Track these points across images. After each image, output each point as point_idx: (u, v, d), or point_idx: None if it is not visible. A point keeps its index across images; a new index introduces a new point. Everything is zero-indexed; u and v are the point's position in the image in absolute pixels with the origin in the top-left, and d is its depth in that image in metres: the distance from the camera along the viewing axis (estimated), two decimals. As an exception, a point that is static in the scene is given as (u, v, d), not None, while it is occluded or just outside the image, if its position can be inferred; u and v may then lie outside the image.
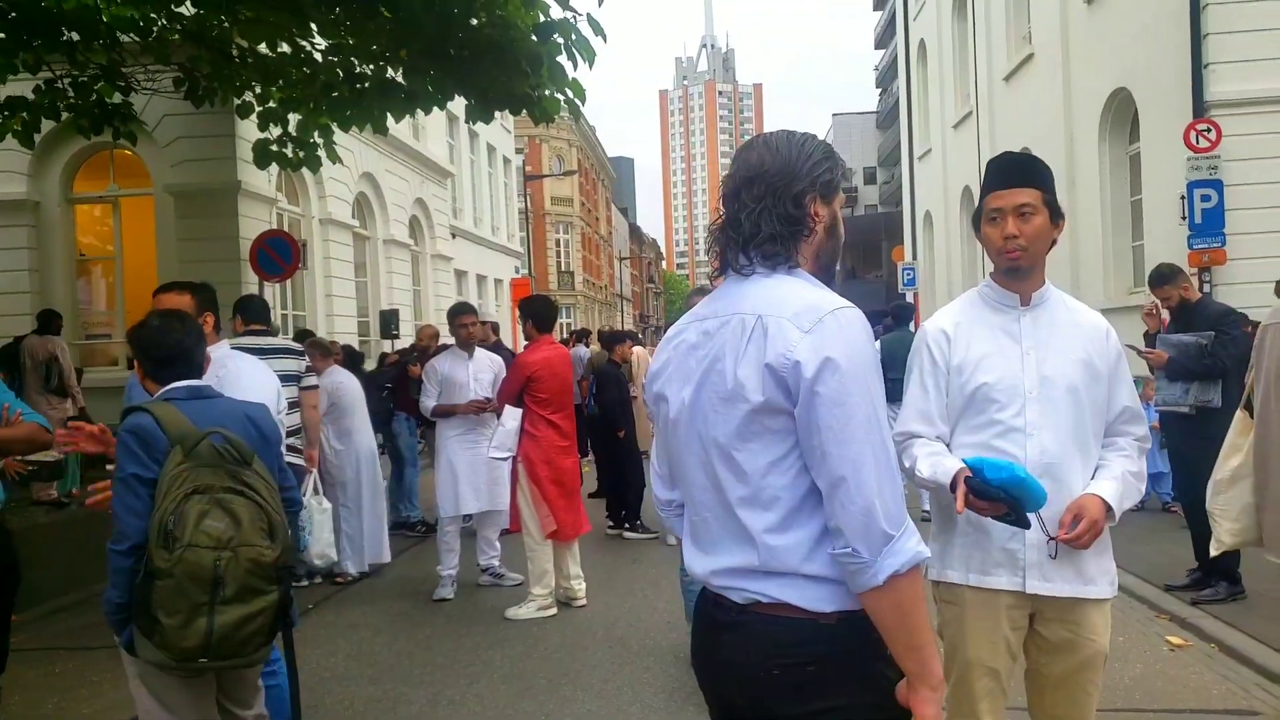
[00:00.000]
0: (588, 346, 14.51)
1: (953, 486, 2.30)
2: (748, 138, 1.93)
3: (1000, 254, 2.47)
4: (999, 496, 2.20)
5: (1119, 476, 2.42)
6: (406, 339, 14.69)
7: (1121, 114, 14.70)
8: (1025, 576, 2.40)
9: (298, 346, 6.56)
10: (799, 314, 1.66)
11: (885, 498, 1.60)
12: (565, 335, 18.55)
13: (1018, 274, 2.49)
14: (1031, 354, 2.44)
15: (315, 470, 6.38)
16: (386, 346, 15.51)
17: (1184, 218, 11.70)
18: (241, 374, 3.76)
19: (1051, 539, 2.33)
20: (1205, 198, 11.50)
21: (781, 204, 1.76)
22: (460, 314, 6.93)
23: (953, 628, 2.49)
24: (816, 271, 1.81)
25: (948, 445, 2.49)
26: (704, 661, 1.87)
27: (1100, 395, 2.46)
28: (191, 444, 2.65)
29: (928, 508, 9.87)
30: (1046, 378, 2.41)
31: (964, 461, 2.31)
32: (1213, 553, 3.28)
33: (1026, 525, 2.26)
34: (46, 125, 8.78)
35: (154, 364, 2.92)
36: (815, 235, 1.80)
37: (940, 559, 2.51)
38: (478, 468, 6.70)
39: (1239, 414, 3.07)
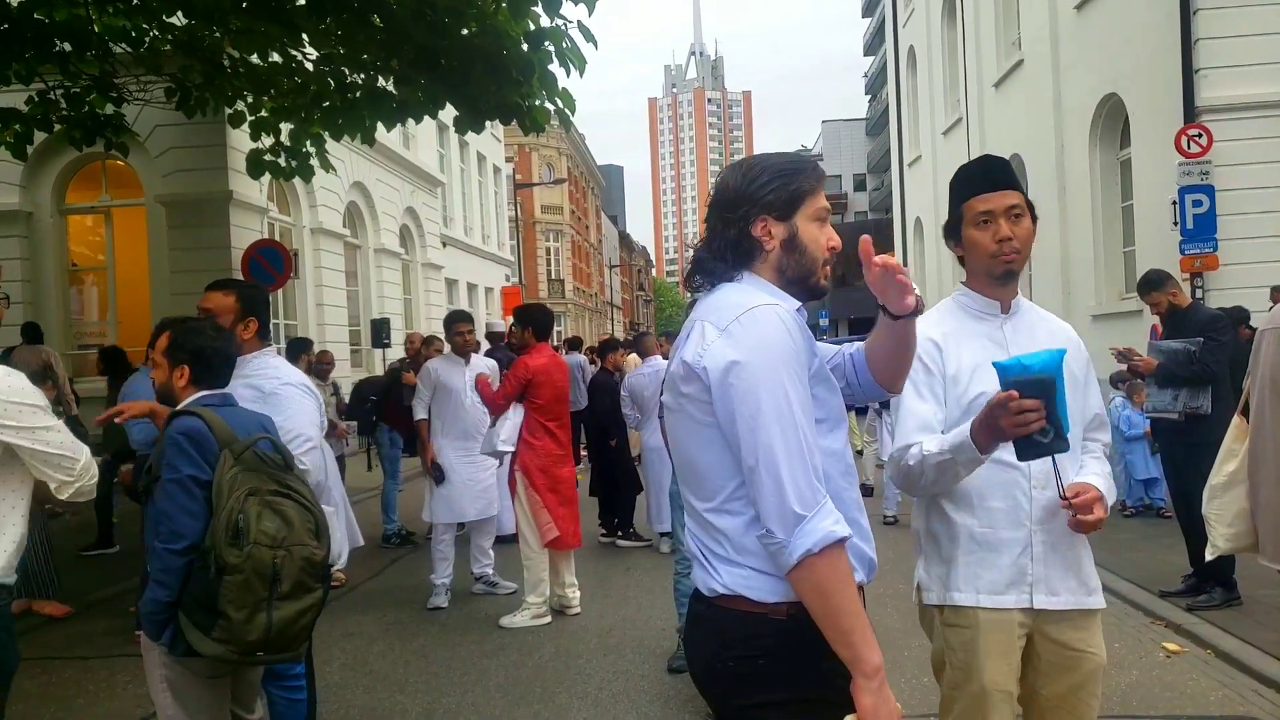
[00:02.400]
0: (582, 354, 14.48)
1: (976, 424, 2.15)
2: (746, 141, 2.01)
3: (994, 258, 2.39)
4: (1045, 382, 2.03)
5: (1104, 475, 2.40)
6: (398, 348, 14.66)
7: (1112, 120, 14.75)
8: (1032, 592, 2.33)
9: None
10: (720, 313, 1.79)
11: (796, 480, 1.67)
12: (557, 343, 18.55)
13: (1011, 278, 2.42)
14: None
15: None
16: (378, 355, 15.49)
17: (1175, 223, 11.75)
18: (290, 401, 3.45)
19: (1065, 499, 2.24)
20: (1197, 203, 11.55)
21: (729, 228, 1.89)
22: (457, 322, 6.94)
23: (965, 653, 2.36)
24: (783, 285, 1.89)
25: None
26: (687, 652, 2.02)
27: (1078, 402, 2.41)
28: (240, 449, 2.75)
29: (891, 511, 9.78)
30: None
31: (993, 364, 2.15)
32: (1208, 558, 3.28)
33: (1066, 447, 2.10)
34: (39, 137, 8.77)
35: (210, 374, 2.97)
36: (771, 253, 1.89)
37: (943, 582, 2.40)
38: (474, 476, 6.70)
39: (1235, 419, 3.07)
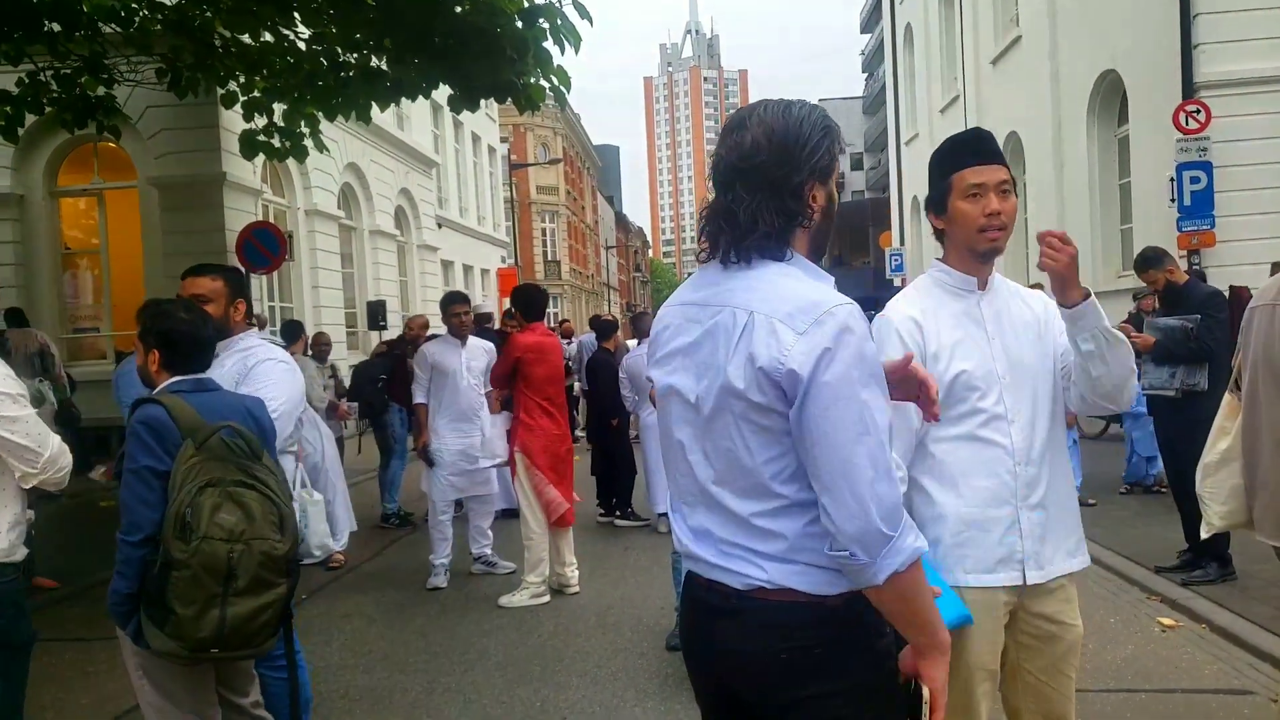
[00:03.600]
0: (568, 340, 14.45)
1: None
2: (737, 110, 1.84)
3: (980, 232, 2.34)
4: None
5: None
6: (394, 330, 14.64)
7: (1110, 96, 14.70)
8: (1024, 569, 2.33)
9: (279, 342, 6.52)
10: (793, 314, 1.61)
11: (882, 499, 1.57)
12: (554, 325, 18.55)
13: (994, 255, 2.39)
14: (996, 339, 2.37)
15: (302, 463, 6.36)
16: (374, 337, 15.45)
17: (1173, 200, 11.73)
18: (270, 376, 3.56)
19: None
20: (1195, 180, 11.54)
21: (779, 197, 1.69)
22: (453, 303, 6.93)
23: (954, 632, 2.39)
24: (810, 254, 1.77)
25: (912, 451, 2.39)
26: (700, 648, 1.84)
27: (1054, 369, 2.42)
28: (203, 437, 2.65)
29: None
30: (1014, 361, 2.36)
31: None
32: (1203, 535, 3.28)
33: None
34: (30, 119, 8.70)
35: (181, 357, 2.89)
36: (813, 222, 1.75)
37: (930, 563, 2.35)
38: (469, 456, 6.71)
39: (1227, 396, 3.07)
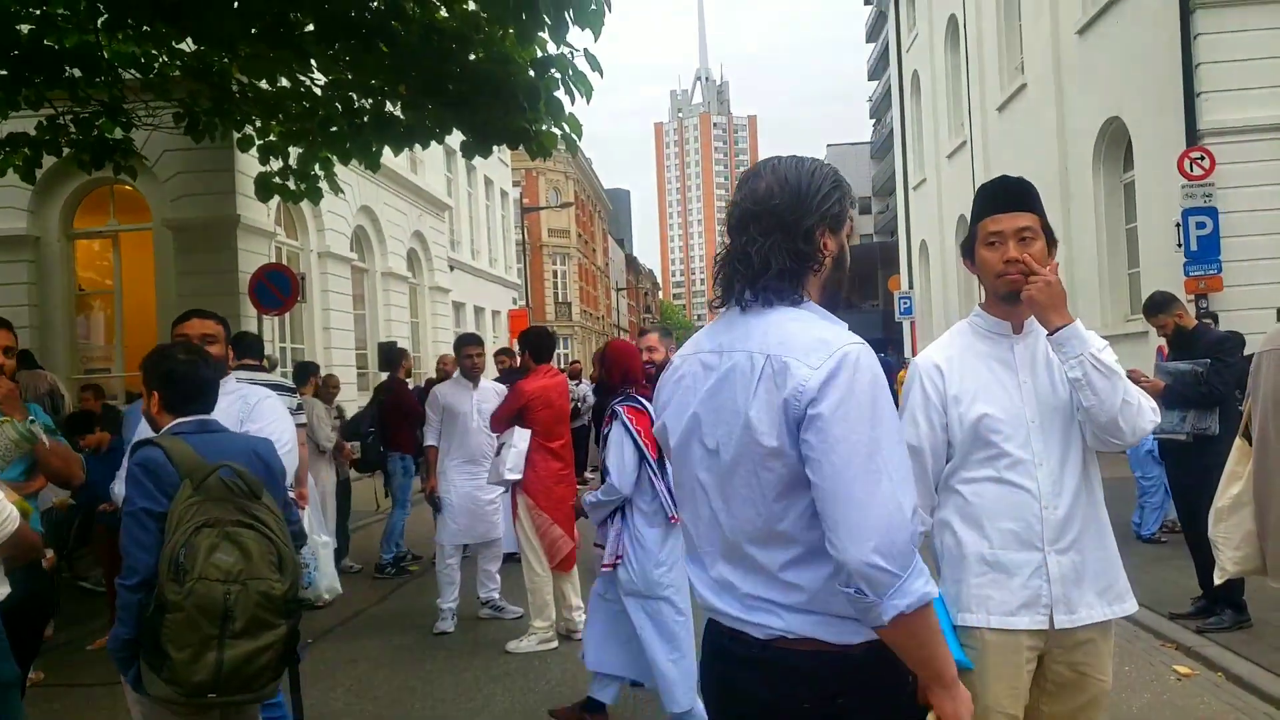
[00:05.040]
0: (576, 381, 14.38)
1: None
2: (752, 164, 1.89)
3: (999, 278, 2.39)
4: None
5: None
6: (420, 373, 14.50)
7: (1115, 142, 14.81)
8: (1052, 614, 2.31)
9: (289, 384, 6.56)
10: (808, 351, 1.65)
11: (891, 537, 1.58)
12: (564, 366, 18.55)
13: (1017, 298, 2.40)
14: (1028, 383, 2.39)
15: (307, 507, 6.34)
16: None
17: (1179, 245, 11.77)
18: (275, 413, 3.66)
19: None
20: (1200, 225, 11.58)
21: (791, 239, 1.75)
22: (466, 344, 6.95)
23: (970, 674, 2.27)
24: (822, 301, 1.81)
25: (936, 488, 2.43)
26: (723, 696, 1.84)
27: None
28: (201, 477, 2.63)
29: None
30: (1045, 406, 2.37)
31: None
32: (1216, 581, 3.27)
33: None
34: (47, 161, 8.83)
35: (181, 398, 2.89)
36: (824, 268, 1.79)
37: (953, 601, 2.36)
38: (477, 499, 6.69)
39: (1238, 441, 3.07)
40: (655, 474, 4.45)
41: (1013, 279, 2.38)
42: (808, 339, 1.67)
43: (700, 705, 4.16)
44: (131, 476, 2.68)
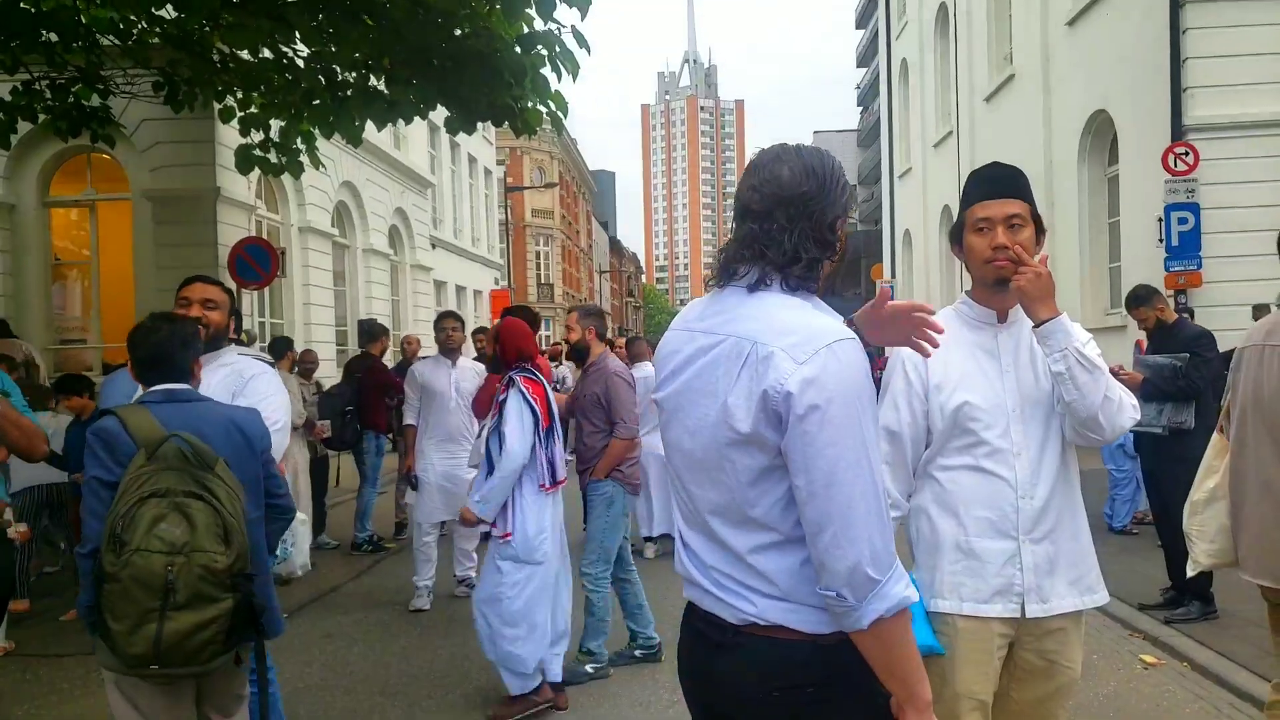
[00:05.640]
0: (557, 363, 14.37)
1: None
2: (739, 150, 1.89)
3: (987, 264, 2.38)
4: None
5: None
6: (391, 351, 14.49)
7: (1101, 136, 14.86)
8: (1024, 602, 2.32)
9: (267, 359, 6.46)
10: (796, 344, 1.62)
11: (874, 542, 1.57)
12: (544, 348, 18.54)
13: (1004, 285, 2.39)
14: (1010, 372, 2.39)
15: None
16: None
17: (1161, 240, 11.84)
18: (270, 389, 3.58)
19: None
20: (1182, 220, 11.66)
21: (819, 229, 1.75)
22: (445, 318, 6.91)
23: (941, 659, 2.33)
24: (822, 288, 1.82)
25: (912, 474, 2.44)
26: (698, 678, 1.84)
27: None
28: (154, 446, 2.61)
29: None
30: (1027, 396, 2.37)
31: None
32: (1190, 573, 3.29)
33: None
34: (23, 127, 8.71)
35: (136, 364, 2.89)
36: (836, 257, 1.82)
37: (926, 588, 2.38)
38: (454, 478, 6.67)
39: (1215, 436, 3.09)
40: (541, 444, 4.60)
41: (1000, 265, 2.37)
42: (797, 329, 1.65)
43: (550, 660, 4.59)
44: (87, 446, 2.68)
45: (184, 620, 2.51)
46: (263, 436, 3.00)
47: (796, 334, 1.64)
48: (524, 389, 4.62)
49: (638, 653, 5.38)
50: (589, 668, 5.13)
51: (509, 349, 4.86)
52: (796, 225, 1.73)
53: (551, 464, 4.66)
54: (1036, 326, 2.34)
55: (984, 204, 2.40)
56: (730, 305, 1.77)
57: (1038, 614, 2.33)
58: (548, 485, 4.65)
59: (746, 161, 1.90)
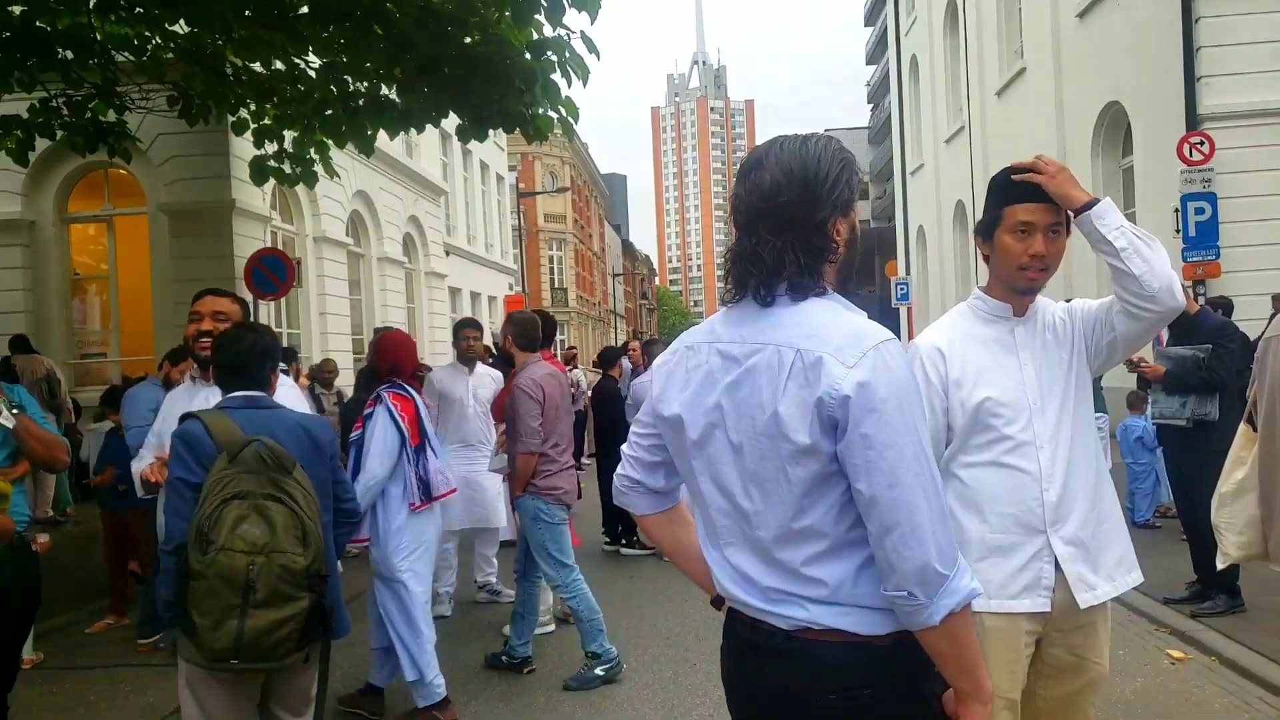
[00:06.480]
0: (572, 366, 14.37)
1: None
2: (753, 149, 1.80)
3: (1020, 270, 2.34)
4: None
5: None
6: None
7: (1114, 127, 14.76)
8: (1054, 597, 2.30)
9: (283, 368, 6.49)
10: (841, 348, 1.58)
11: (939, 538, 1.56)
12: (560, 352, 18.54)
13: (1032, 293, 2.37)
14: (1029, 365, 2.37)
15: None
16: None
17: (1178, 231, 11.75)
18: (294, 397, 3.70)
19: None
20: (1199, 210, 11.55)
21: (804, 236, 1.67)
22: (464, 328, 6.91)
23: None
24: (837, 286, 1.75)
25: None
26: (747, 687, 1.80)
27: (1087, 385, 2.41)
28: (236, 450, 2.72)
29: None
30: (1046, 388, 2.35)
31: None
32: (1219, 566, 3.26)
33: None
34: (41, 144, 8.77)
35: (217, 370, 3.06)
36: (839, 257, 1.73)
37: None
38: (474, 483, 6.67)
39: (1242, 427, 3.06)
40: (410, 461, 4.53)
41: (1033, 276, 2.34)
42: (839, 333, 1.61)
43: (436, 675, 4.56)
44: (172, 448, 2.81)
45: (263, 617, 2.63)
46: (331, 443, 3.13)
47: (839, 338, 1.60)
48: (392, 406, 4.54)
49: (504, 658, 5.39)
50: (599, 670, 5.12)
51: (383, 362, 4.79)
52: (780, 237, 1.67)
53: (425, 481, 4.57)
54: (1082, 211, 2.28)
55: (1028, 206, 2.33)
56: (758, 316, 1.70)
57: (1089, 602, 2.31)
58: (418, 504, 4.56)
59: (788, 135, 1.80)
